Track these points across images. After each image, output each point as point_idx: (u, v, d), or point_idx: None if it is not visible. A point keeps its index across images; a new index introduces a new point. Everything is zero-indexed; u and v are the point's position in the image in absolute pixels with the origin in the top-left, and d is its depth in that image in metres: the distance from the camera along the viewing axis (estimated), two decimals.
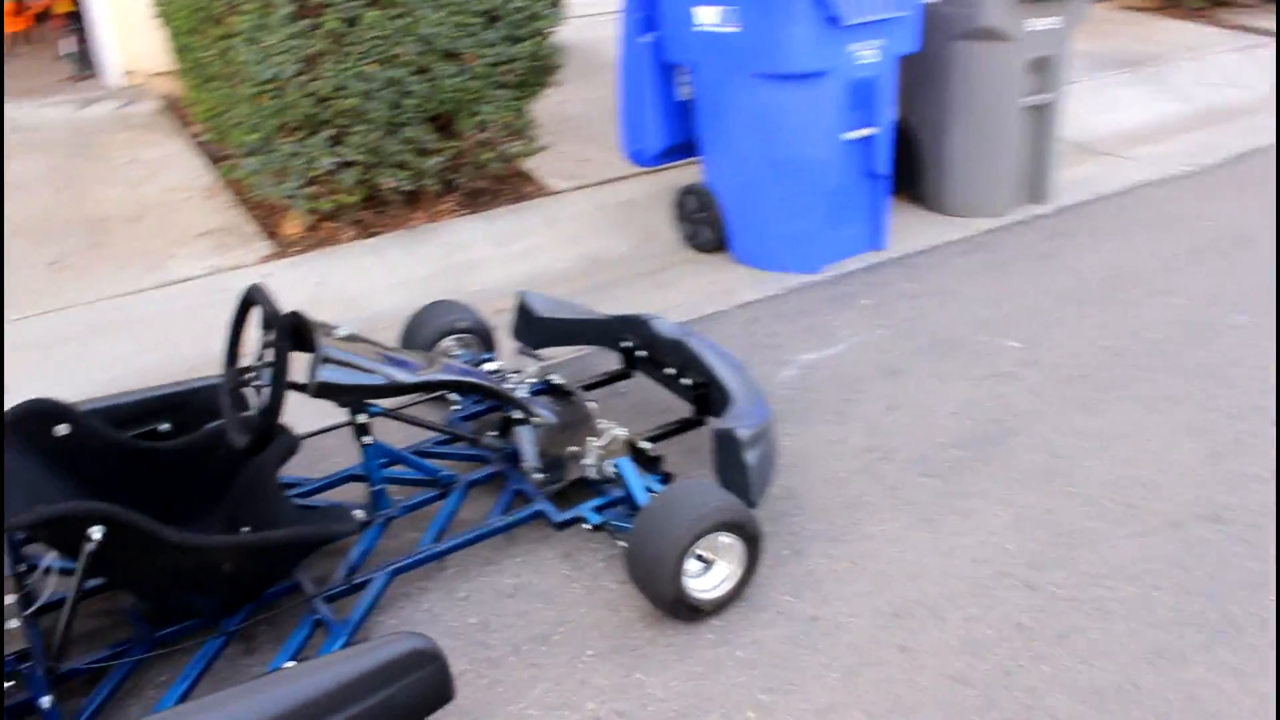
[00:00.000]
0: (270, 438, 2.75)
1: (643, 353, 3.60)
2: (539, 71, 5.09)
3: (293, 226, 5.12)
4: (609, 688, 2.60)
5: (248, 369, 2.81)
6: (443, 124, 4.97)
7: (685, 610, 2.74)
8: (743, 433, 2.90)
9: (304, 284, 4.78)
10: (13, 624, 2.44)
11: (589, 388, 3.73)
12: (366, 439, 3.03)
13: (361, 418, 3.00)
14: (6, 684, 2.39)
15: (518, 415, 3.19)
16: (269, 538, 2.65)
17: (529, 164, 5.66)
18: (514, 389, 3.26)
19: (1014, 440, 3.49)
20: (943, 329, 4.22)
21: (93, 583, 2.77)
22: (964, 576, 2.90)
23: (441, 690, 2.39)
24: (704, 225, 5.03)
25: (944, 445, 3.47)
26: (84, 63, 7.37)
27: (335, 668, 2.26)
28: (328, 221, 5.13)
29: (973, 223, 5.23)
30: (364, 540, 3.00)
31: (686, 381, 3.40)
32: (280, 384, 2.65)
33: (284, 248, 5.04)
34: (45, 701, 2.41)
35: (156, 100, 6.86)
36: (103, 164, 5.96)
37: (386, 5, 4.48)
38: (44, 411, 2.80)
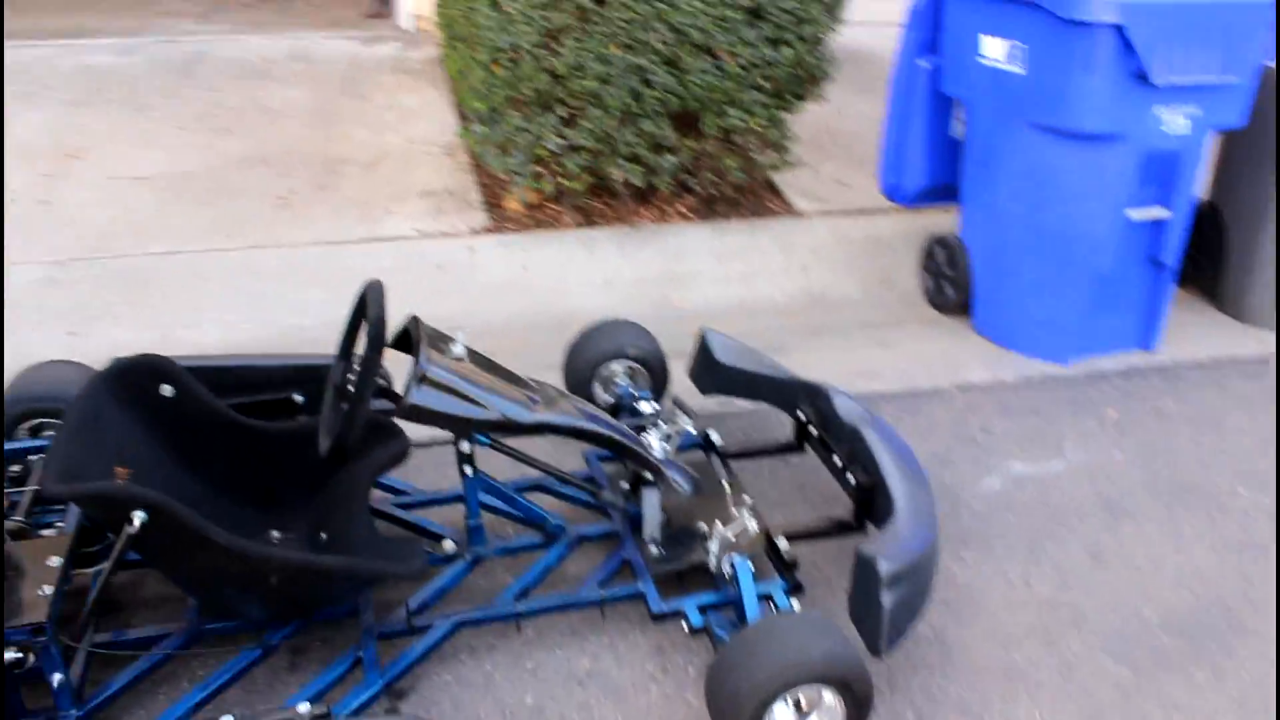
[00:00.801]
0: (347, 449, 2.48)
1: (816, 429, 3.10)
2: (801, 80, 4.61)
3: (515, 202, 4.90)
4: None
5: (351, 368, 2.55)
6: (686, 121, 4.59)
7: None
8: (885, 566, 2.37)
9: (507, 264, 4.56)
10: (46, 590, 2.30)
11: (751, 454, 3.27)
12: (468, 469, 2.72)
13: (465, 445, 2.70)
14: (19, 654, 2.23)
15: (648, 475, 2.79)
16: (318, 562, 2.39)
17: (780, 178, 5.21)
18: (655, 442, 2.86)
19: (1244, 642, 2.75)
20: (1194, 468, 3.46)
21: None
22: None
23: None
24: (948, 283, 4.42)
25: (1151, 625, 2.79)
26: (384, 1, 7.50)
27: None
28: (551, 203, 4.88)
29: (1273, 338, 4.33)
30: (445, 576, 2.70)
31: (851, 478, 2.88)
32: (363, 397, 2.36)
33: (501, 223, 4.84)
34: (56, 679, 2.26)
35: (435, 49, 6.86)
36: (363, 104, 5.98)
37: None
38: (151, 368, 2.65)
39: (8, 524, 2.47)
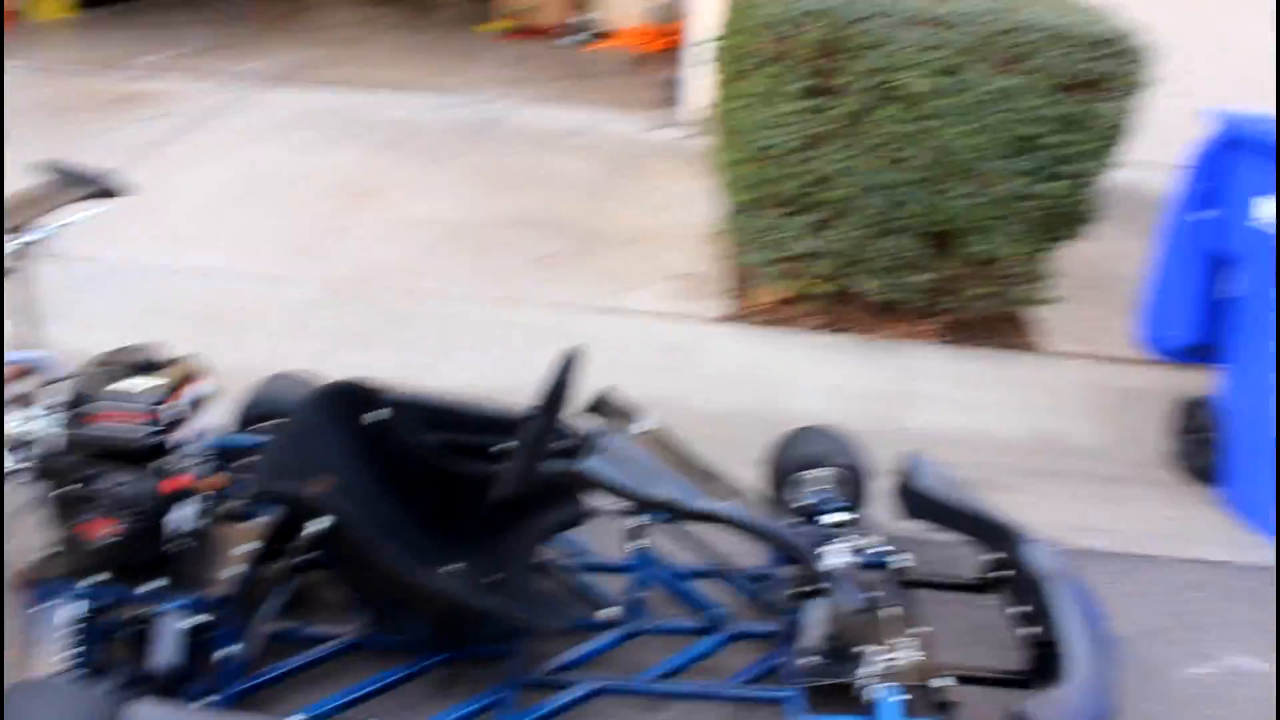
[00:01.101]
0: (524, 502, 2.58)
1: (1005, 573, 2.94)
2: (1065, 217, 4.46)
3: (763, 296, 4.97)
4: None
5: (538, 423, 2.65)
6: (939, 242, 4.53)
7: None
8: None
9: (738, 355, 4.61)
10: (237, 568, 2.51)
11: (937, 585, 3.14)
12: (637, 543, 2.76)
13: (638, 520, 2.74)
14: (205, 619, 2.44)
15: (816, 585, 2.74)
16: (470, 601, 2.48)
17: (1034, 313, 5.03)
18: (839, 553, 2.80)
19: None
20: None
21: None
22: None
23: None
24: (1202, 449, 4.09)
25: None
26: (674, 90, 7.84)
27: None
28: (795, 303, 4.91)
29: None
30: (598, 641, 2.74)
31: (1027, 629, 2.71)
32: (533, 454, 2.46)
33: (742, 315, 4.91)
34: (227, 651, 2.45)
35: (711, 139, 7.10)
36: (634, 184, 6.25)
37: (910, 104, 4.13)
38: (362, 393, 2.86)
39: (224, 508, 2.72)
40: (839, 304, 4.84)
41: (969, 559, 3.34)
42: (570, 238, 5.44)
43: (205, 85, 7.36)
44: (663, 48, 9.82)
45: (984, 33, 4.08)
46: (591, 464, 2.48)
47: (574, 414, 2.62)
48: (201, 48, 8.69)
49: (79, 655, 2.42)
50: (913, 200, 4.31)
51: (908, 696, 2.47)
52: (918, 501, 3.22)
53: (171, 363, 2.55)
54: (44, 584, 2.46)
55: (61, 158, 3.17)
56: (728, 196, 4.79)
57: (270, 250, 5.10)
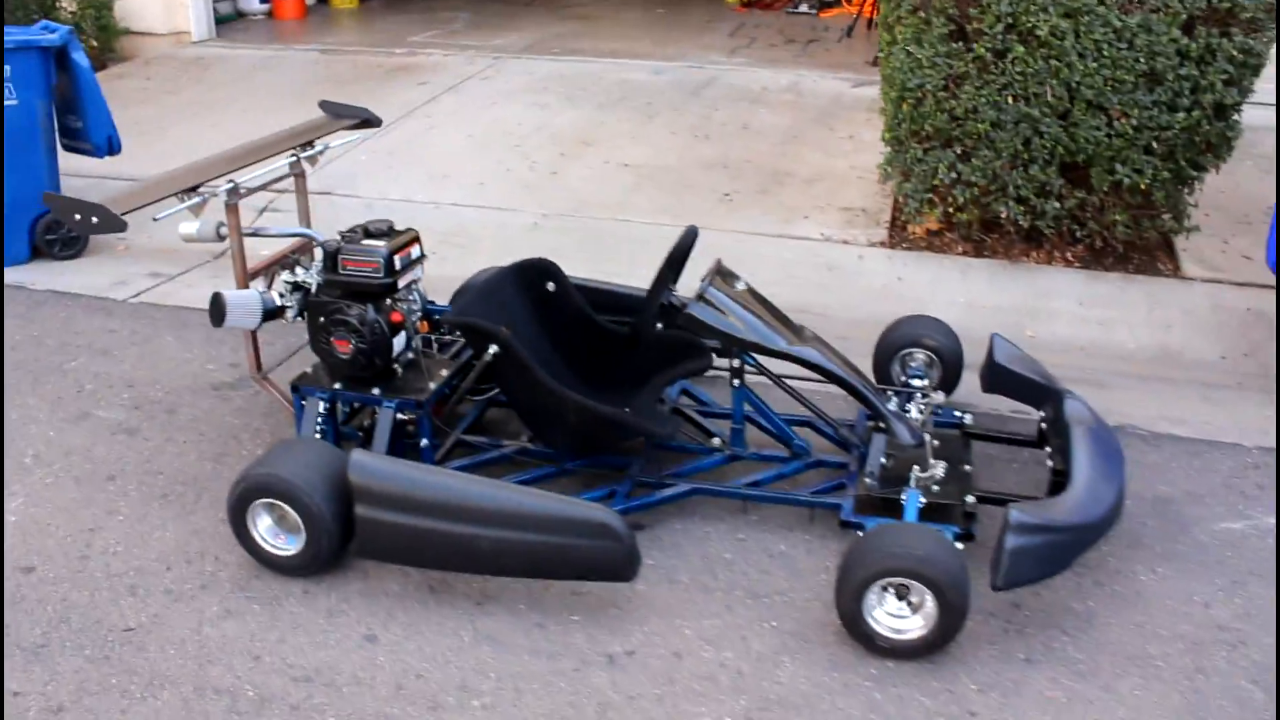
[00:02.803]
0: (661, 357, 3.43)
1: (1046, 427, 3.50)
2: (1198, 149, 4.80)
3: (918, 227, 5.54)
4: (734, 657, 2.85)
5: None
6: (1075, 172, 4.97)
7: (860, 636, 2.84)
8: (1014, 515, 2.81)
9: (886, 275, 5.24)
10: (433, 385, 3.47)
11: (997, 439, 3.70)
12: (736, 382, 3.51)
13: (736, 364, 3.48)
14: (411, 417, 3.42)
15: (882, 424, 3.42)
16: (598, 409, 3.30)
17: (1181, 243, 5.34)
18: (912, 409, 3.46)
19: None
20: None
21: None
22: None
23: (617, 568, 2.89)
24: None
25: None
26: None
27: (544, 500, 2.91)
28: (948, 232, 5.47)
29: None
30: (704, 461, 3.53)
31: (1049, 464, 3.28)
32: (653, 297, 3.28)
33: (897, 242, 5.52)
34: (424, 442, 3.42)
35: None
36: (827, 133, 6.89)
37: (1038, 45, 4.62)
38: (541, 269, 3.75)
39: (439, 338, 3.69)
40: (985, 233, 5.35)
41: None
42: (757, 178, 6.18)
43: (462, 58, 8.56)
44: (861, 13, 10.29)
45: None
46: (694, 308, 3.27)
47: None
48: (461, 28, 9.98)
49: (325, 432, 3.45)
50: (1046, 133, 4.79)
51: (924, 500, 3.11)
52: (994, 377, 3.80)
53: (400, 232, 3.53)
54: (305, 387, 3.51)
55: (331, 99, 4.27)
56: (886, 135, 5.40)
57: (501, 188, 6.14)
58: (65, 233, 5.53)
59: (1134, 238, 5.13)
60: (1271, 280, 4.92)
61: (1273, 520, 3.54)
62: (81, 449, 3.83)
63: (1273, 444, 3.99)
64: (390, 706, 2.68)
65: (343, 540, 3.05)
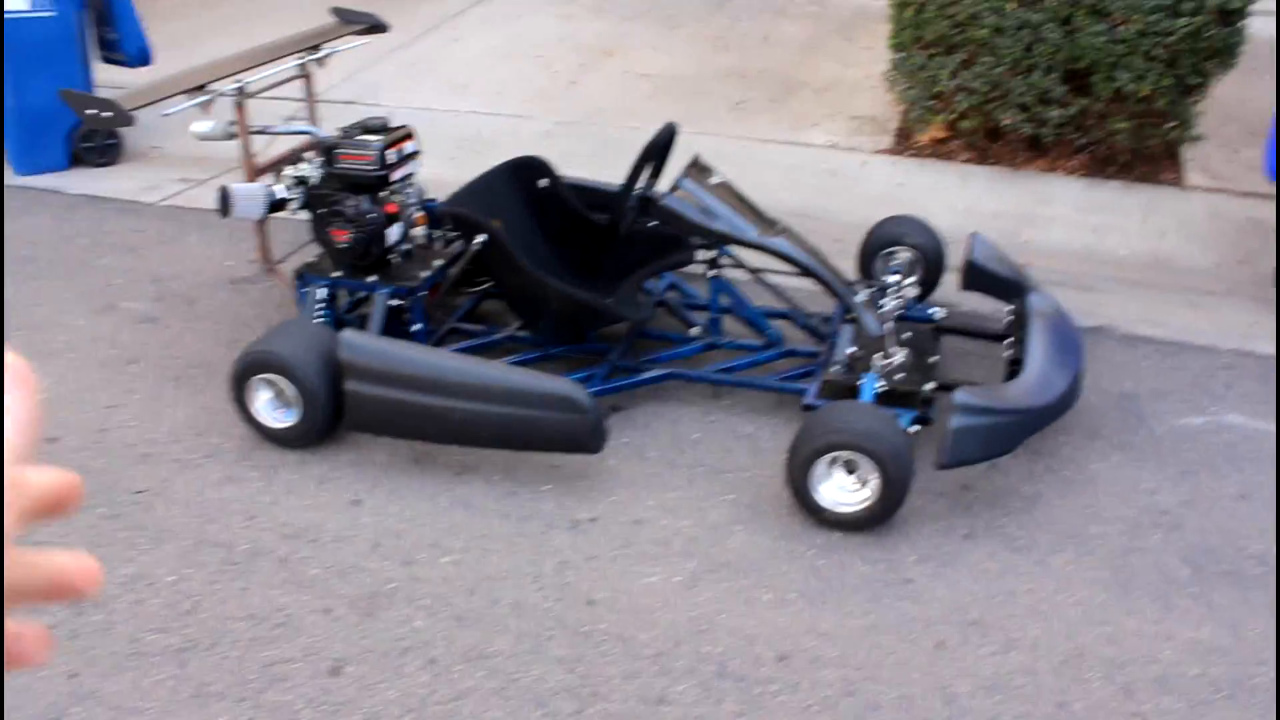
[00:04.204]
0: (638, 249, 3.62)
1: (1011, 320, 3.63)
2: (1201, 54, 4.80)
3: (924, 135, 5.61)
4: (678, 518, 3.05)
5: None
6: (1079, 78, 5.00)
7: (809, 508, 3.03)
8: (959, 396, 2.97)
9: (887, 181, 5.33)
10: (424, 274, 3.67)
11: (968, 333, 3.83)
12: (713, 273, 3.67)
13: (711, 255, 3.64)
14: (403, 303, 3.63)
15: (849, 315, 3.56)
16: (574, 294, 3.50)
17: (1189, 152, 5.36)
18: (888, 303, 3.60)
19: None
20: None
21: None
22: None
23: (582, 439, 3.09)
24: None
25: (1246, 552, 3.00)
26: None
27: (513, 374, 3.12)
28: (952, 139, 5.53)
29: None
30: (683, 347, 3.71)
31: (1006, 353, 3.41)
32: (629, 185, 3.45)
33: (903, 149, 5.59)
34: (416, 326, 3.63)
35: None
36: (847, 44, 6.92)
37: None
38: (533, 165, 3.92)
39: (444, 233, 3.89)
40: (989, 141, 5.41)
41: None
42: (771, 87, 6.26)
43: None
44: None
45: None
46: (669, 200, 3.42)
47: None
48: None
49: (325, 316, 3.68)
50: (1047, 39, 4.82)
51: (882, 385, 3.27)
52: (972, 274, 3.92)
53: (394, 128, 3.71)
54: (308, 275, 3.73)
55: (342, 4, 4.43)
56: (890, 42, 5.44)
57: (519, 96, 6.28)
58: (101, 140, 5.78)
59: (1137, 146, 5.16)
60: (1272, 190, 4.93)
61: (1234, 417, 3.65)
62: (107, 336, 4.10)
63: (1250, 346, 4.07)
64: (368, 560, 2.93)
65: (335, 414, 3.29)
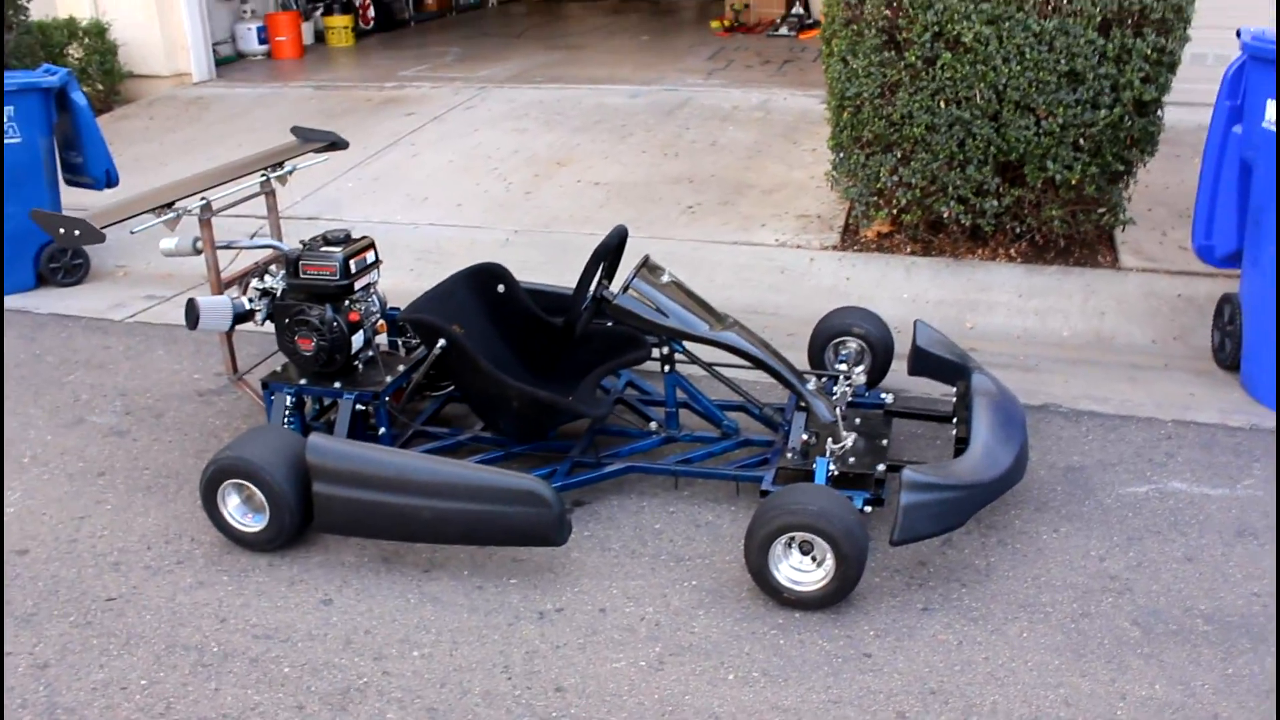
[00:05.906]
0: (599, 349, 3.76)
1: (956, 401, 3.77)
2: (1121, 143, 5.07)
3: (869, 230, 5.83)
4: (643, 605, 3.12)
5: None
6: (1012, 171, 5.25)
7: (769, 588, 3.11)
8: (908, 474, 3.09)
9: (834, 275, 5.53)
10: (389, 379, 3.77)
11: (915, 415, 3.98)
12: (667, 369, 3.80)
13: (667, 352, 3.77)
14: (364, 409, 3.72)
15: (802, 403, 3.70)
16: (534, 393, 3.60)
17: (1122, 236, 5.61)
18: (838, 390, 3.73)
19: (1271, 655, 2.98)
20: None
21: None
22: None
23: (547, 532, 3.17)
24: (1228, 338, 4.64)
25: (1194, 611, 3.11)
26: None
27: (477, 472, 3.21)
28: (895, 234, 5.75)
29: None
30: (641, 443, 3.82)
31: (954, 432, 3.55)
32: (581, 290, 3.58)
33: (849, 245, 5.81)
34: (381, 430, 3.72)
35: None
36: (792, 147, 7.20)
37: (965, 51, 4.92)
38: (492, 272, 4.07)
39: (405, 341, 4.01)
40: (931, 233, 5.64)
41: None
42: (720, 190, 6.49)
43: (449, 89, 8.93)
44: None
45: None
46: (621, 299, 3.57)
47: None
48: (451, 60, 10.40)
49: (292, 424, 3.76)
50: (979, 134, 5.07)
51: (835, 469, 3.38)
52: (917, 359, 4.08)
53: (355, 240, 3.85)
54: (274, 384, 3.82)
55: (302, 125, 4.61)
56: (830, 142, 5.70)
57: (477, 207, 6.48)
58: (68, 260, 5.90)
59: (1072, 232, 5.40)
60: (1201, 268, 5.17)
61: (1177, 484, 3.79)
62: (75, 449, 4.16)
63: (1189, 417, 4.25)
64: (339, 657, 2.97)
65: (304, 517, 3.35)
